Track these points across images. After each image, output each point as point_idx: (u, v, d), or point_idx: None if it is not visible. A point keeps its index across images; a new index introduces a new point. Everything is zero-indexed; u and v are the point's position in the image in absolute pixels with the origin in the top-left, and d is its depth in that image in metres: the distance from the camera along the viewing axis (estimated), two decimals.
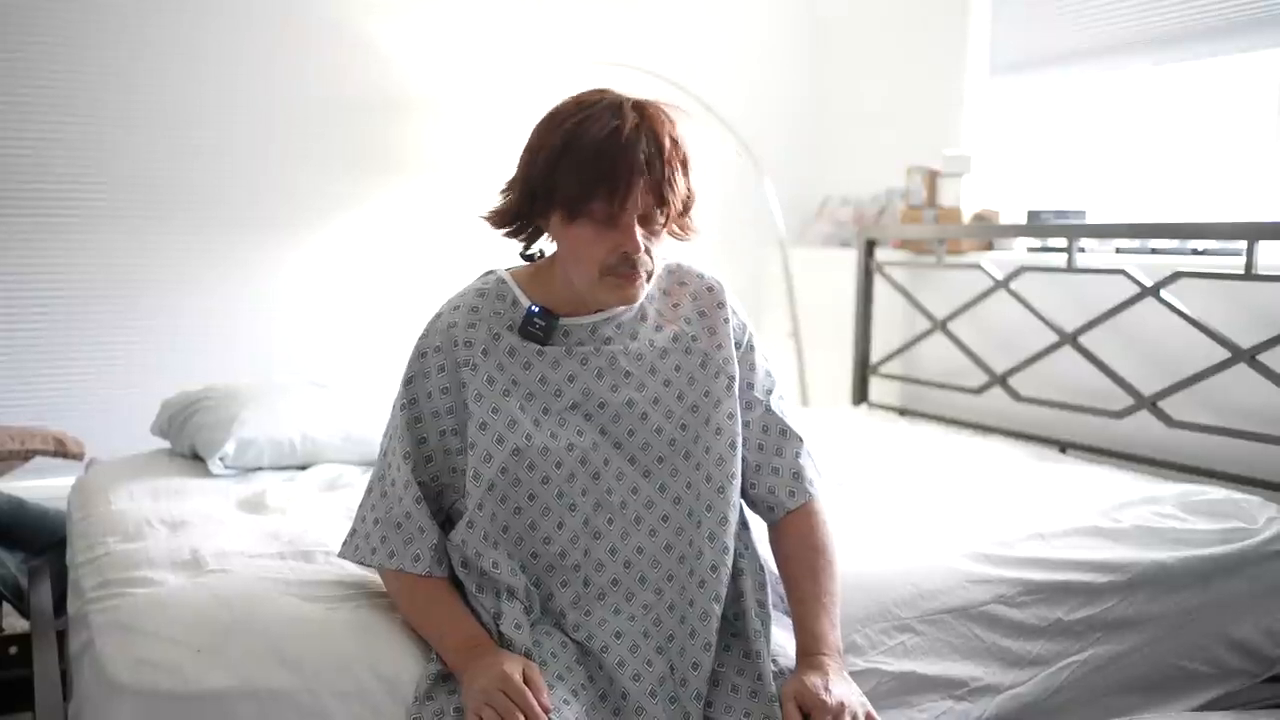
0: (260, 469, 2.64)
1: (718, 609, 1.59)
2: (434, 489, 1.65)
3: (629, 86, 1.62)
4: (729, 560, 1.61)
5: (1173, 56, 3.13)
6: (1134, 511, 2.35)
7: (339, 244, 3.78)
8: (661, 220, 1.55)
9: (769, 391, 1.73)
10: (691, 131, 1.58)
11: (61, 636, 2.11)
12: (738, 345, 1.70)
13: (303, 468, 2.67)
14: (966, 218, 3.48)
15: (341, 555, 1.70)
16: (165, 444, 2.83)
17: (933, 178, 3.60)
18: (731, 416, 1.64)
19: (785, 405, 1.75)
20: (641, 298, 1.61)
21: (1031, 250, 3.38)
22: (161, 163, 3.51)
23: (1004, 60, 3.68)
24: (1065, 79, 3.49)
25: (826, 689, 1.48)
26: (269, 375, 3.38)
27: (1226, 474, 2.67)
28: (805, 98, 4.48)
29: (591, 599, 1.59)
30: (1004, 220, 3.46)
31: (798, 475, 1.70)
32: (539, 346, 1.61)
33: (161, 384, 3.09)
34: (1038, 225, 3.19)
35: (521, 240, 1.67)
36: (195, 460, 2.68)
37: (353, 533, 1.68)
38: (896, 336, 3.73)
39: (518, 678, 1.42)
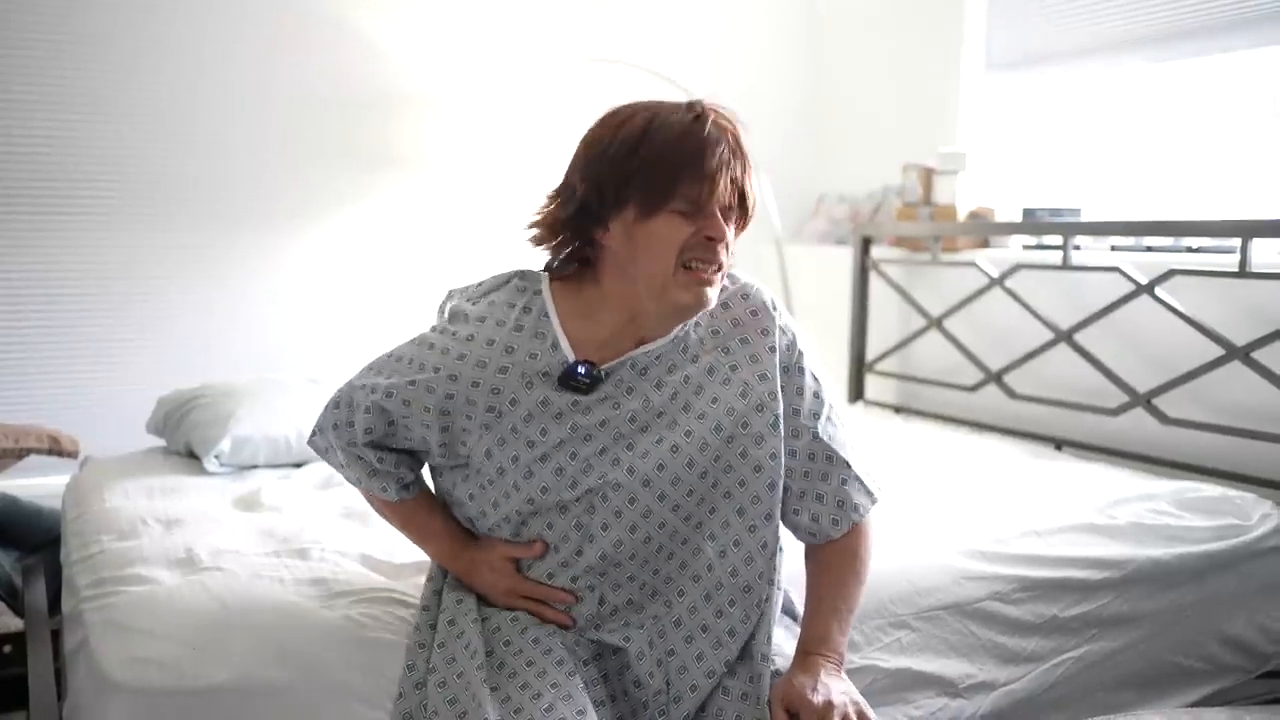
0: (256, 467, 2.64)
1: (732, 642, 1.54)
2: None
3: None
4: (752, 598, 1.55)
5: (1168, 54, 3.14)
6: (1129, 508, 2.36)
7: (337, 240, 3.77)
8: (738, 224, 1.52)
9: (816, 415, 1.62)
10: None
11: (56, 635, 2.10)
12: (785, 370, 1.61)
13: (298, 465, 2.67)
14: (962, 215, 3.48)
15: (310, 444, 1.70)
16: (161, 442, 2.84)
17: (928, 175, 3.60)
18: (775, 456, 1.56)
19: (834, 428, 1.63)
20: (714, 301, 1.52)
21: (1027, 248, 3.39)
22: (158, 160, 3.50)
23: (999, 57, 3.68)
24: (1060, 76, 3.50)
25: (814, 689, 1.46)
26: (266, 373, 3.37)
27: (1221, 471, 2.67)
28: (801, 95, 4.48)
29: (605, 615, 1.57)
30: (999, 218, 3.46)
31: (842, 503, 1.61)
32: (576, 397, 1.53)
33: (157, 382, 3.09)
34: (1033, 223, 3.19)
35: (564, 255, 1.59)
36: (190, 458, 2.68)
37: (320, 431, 1.66)
38: (892, 334, 3.73)
39: (524, 588, 1.57)
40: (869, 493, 1.64)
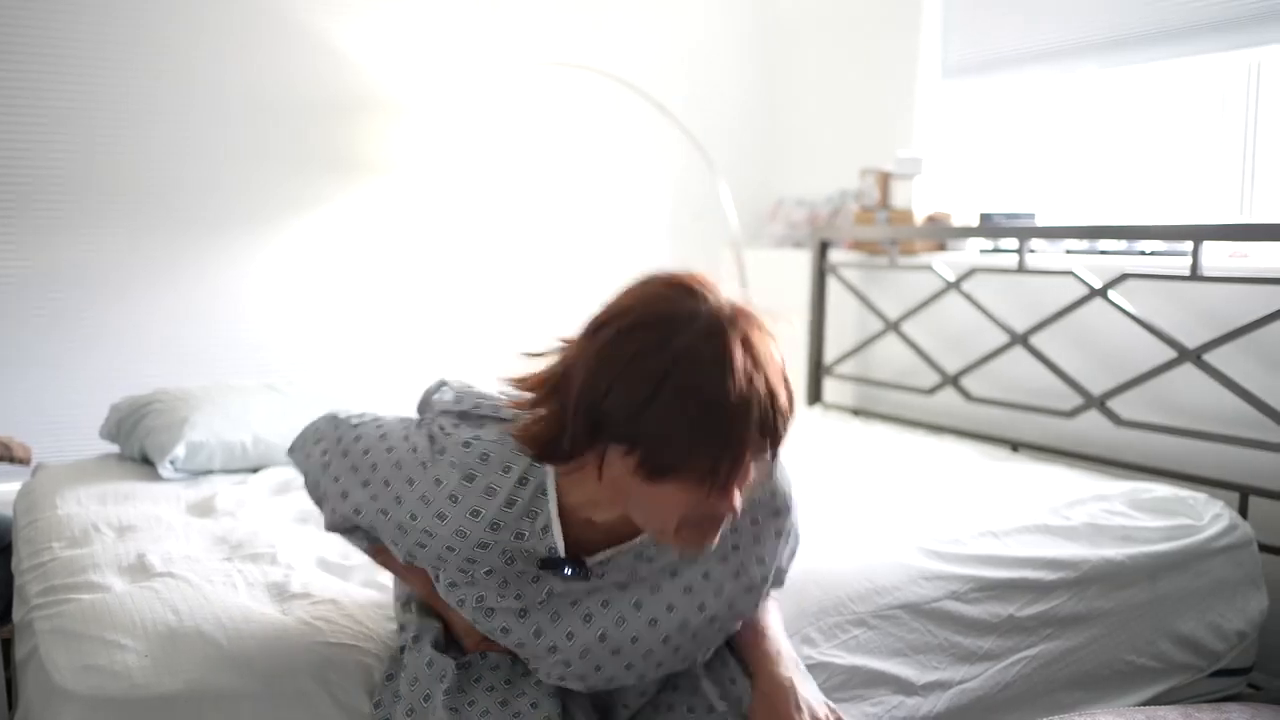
0: (211, 472, 2.62)
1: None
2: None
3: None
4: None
5: (1120, 60, 3.18)
6: (1084, 509, 2.38)
7: (297, 246, 3.74)
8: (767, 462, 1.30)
9: (794, 553, 1.56)
10: (783, 333, 1.27)
11: (8, 644, 2.07)
12: (783, 538, 1.50)
13: (254, 471, 2.65)
14: (919, 219, 3.51)
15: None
16: (114, 448, 2.80)
17: (885, 179, 3.62)
18: (719, 631, 1.48)
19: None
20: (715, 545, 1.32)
21: (983, 252, 3.42)
22: (118, 166, 3.45)
23: (955, 63, 3.72)
24: (1015, 82, 3.53)
25: (797, 706, 1.43)
26: (223, 379, 3.34)
27: (1173, 472, 2.71)
28: (759, 99, 4.51)
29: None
30: (956, 222, 3.49)
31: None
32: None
33: (112, 387, 3.06)
34: (989, 227, 3.22)
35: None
36: (145, 464, 2.65)
37: (297, 467, 1.64)
38: (850, 337, 3.76)
39: (496, 648, 1.50)
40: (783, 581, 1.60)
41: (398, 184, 3.83)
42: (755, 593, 1.47)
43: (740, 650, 1.53)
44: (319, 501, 1.58)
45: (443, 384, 1.49)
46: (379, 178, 3.82)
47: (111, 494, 2.40)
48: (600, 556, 1.39)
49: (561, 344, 1.30)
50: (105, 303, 3.48)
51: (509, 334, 3.96)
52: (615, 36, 4.17)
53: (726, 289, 1.25)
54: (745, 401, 1.17)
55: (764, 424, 1.20)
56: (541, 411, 1.27)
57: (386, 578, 1.83)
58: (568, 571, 1.36)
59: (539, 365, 1.31)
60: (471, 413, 1.41)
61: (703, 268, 1.26)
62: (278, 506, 2.34)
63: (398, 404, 2.93)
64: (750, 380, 1.18)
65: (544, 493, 1.35)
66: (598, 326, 1.23)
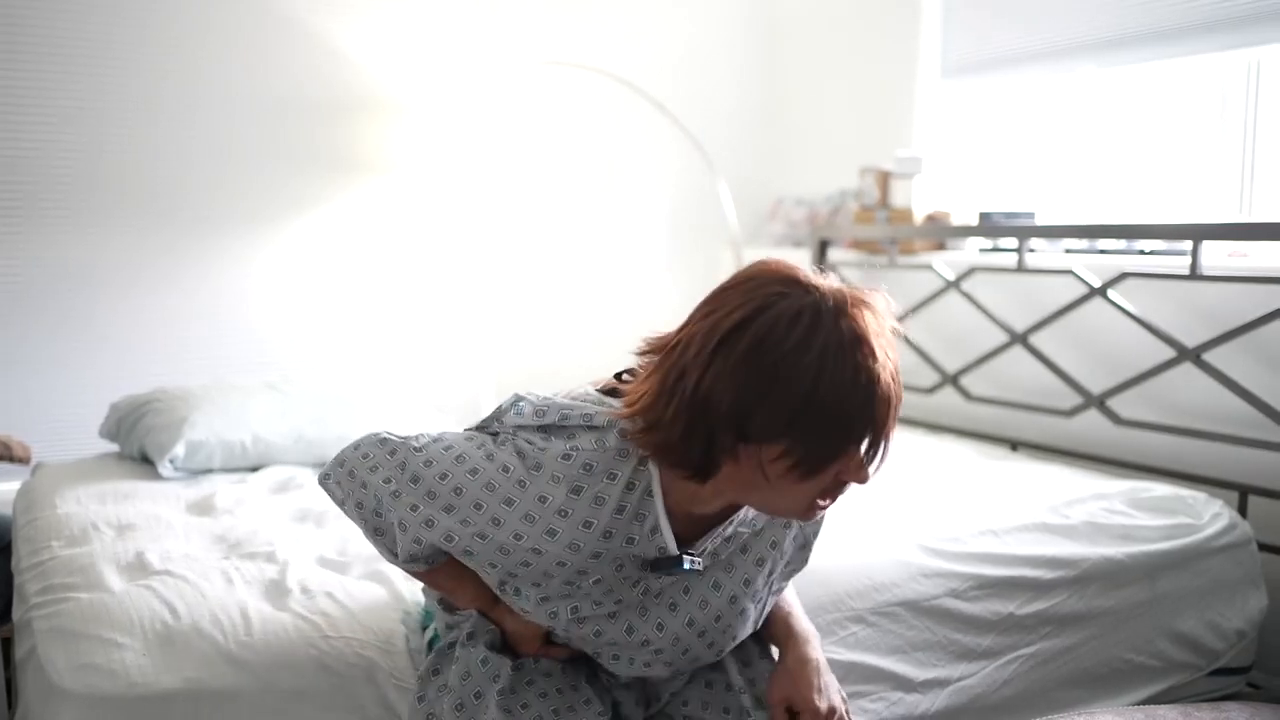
0: (211, 471, 2.62)
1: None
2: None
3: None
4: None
5: (1119, 60, 3.17)
6: (1083, 508, 2.38)
7: (299, 245, 3.74)
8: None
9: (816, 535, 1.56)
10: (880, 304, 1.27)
11: (8, 643, 2.08)
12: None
13: (254, 469, 2.65)
14: (918, 218, 3.51)
15: (323, 486, 1.50)
16: (114, 447, 2.80)
17: (885, 178, 3.62)
18: (774, 593, 1.51)
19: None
20: None
21: (983, 251, 3.42)
22: (120, 163, 3.45)
23: (955, 63, 3.72)
24: (1015, 82, 3.53)
25: (818, 690, 1.45)
26: (223, 378, 3.34)
27: (1173, 471, 2.71)
28: (759, 98, 4.50)
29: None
30: (955, 221, 3.49)
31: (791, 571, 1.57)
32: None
33: (114, 386, 3.05)
34: (988, 226, 3.22)
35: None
36: (145, 463, 2.65)
37: (341, 502, 1.47)
38: None
39: (552, 652, 1.48)
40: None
41: (398, 184, 3.83)
42: (808, 549, 1.52)
43: (771, 627, 1.55)
44: (380, 530, 1.44)
45: (519, 399, 1.41)
46: (379, 177, 3.82)
47: (111, 493, 2.40)
48: (703, 545, 1.39)
49: (652, 350, 1.30)
50: (110, 302, 3.48)
51: (509, 333, 3.96)
52: (614, 36, 4.16)
53: (811, 272, 1.28)
54: (889, 379, 1.22)
55: (898, 396, 1.24)
56: (673, 431, 1.24)
57: (386, 574, 1.83)
58: (686, 567, 1.36)
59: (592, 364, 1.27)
60: (557, 424, 1.36)
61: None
62: (277, 505, 2.34)
63: (397, 403, 2.94)
64: (887, 355, 1.22)
65: (650, 494, 1.33)
66: (724, 336, 1.21)
